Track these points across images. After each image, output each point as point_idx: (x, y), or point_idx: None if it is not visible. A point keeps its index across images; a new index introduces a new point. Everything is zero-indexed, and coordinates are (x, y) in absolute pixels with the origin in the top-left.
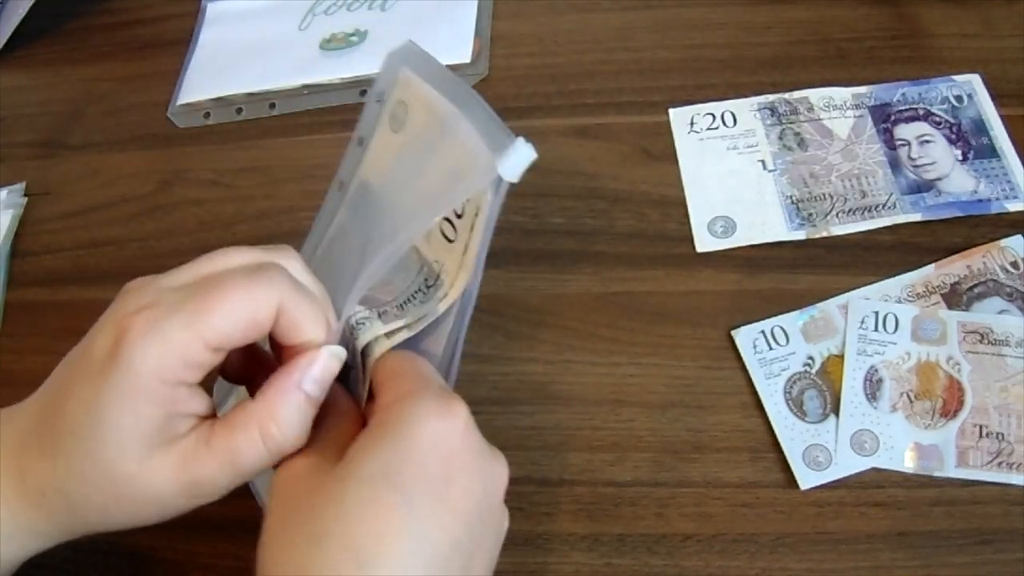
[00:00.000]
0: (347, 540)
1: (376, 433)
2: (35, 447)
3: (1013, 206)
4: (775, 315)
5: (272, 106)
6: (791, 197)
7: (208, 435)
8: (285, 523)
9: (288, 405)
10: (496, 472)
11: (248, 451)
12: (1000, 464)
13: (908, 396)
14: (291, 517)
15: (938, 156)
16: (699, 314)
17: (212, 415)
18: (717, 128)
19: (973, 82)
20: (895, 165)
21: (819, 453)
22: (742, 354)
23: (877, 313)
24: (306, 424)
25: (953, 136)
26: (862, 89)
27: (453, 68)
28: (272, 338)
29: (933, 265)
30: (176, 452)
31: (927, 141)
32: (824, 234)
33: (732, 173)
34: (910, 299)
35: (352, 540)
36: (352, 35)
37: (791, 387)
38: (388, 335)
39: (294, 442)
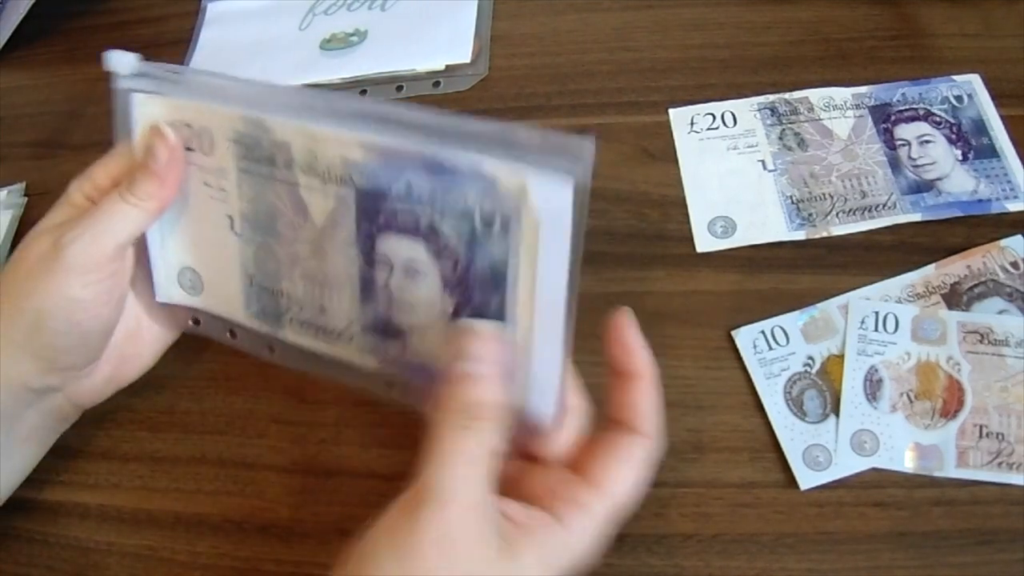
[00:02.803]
0: None
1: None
2: None
3: (1013, 206)
4: (775, 315)
5: None
6: (791, 197)
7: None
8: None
9: (146, 179)
10: None
11: (109, 204)
12: (1000, 464)
13: (908, 396)
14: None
15: (938, 156)
16: (699, 314)
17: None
18: (717, 128)
19: (973, 82)
20: (895, 165)
21: (819, 453)
22: (742, 354)
23: (877, 313)
24: (150, 183)
25: (953, 136)
26: (862, 89)
27: (453, 68)
28: None
29: (933, 265)
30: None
31: (927, 141)
32: (824, 234)
33: (732, 173)
34: (910, 299)
35: None
36: (352, 35)
37: (791, 387)
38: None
39: (147, 193)
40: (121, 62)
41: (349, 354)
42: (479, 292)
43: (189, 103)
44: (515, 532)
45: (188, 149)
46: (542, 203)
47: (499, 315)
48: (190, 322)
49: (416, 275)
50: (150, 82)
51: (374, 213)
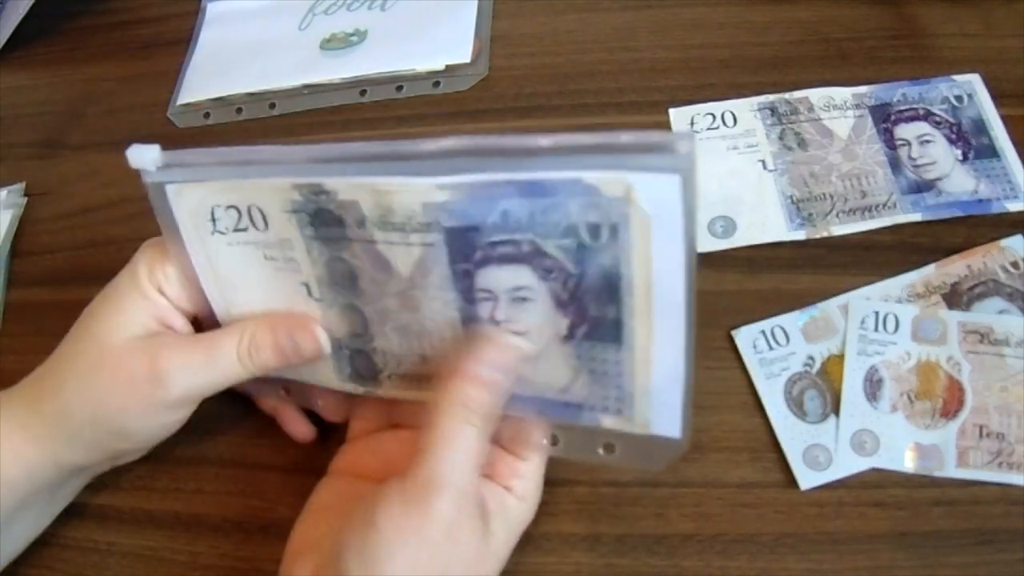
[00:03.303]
0: None
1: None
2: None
3: (1013, 206)
4: (775, 315)
5: (272, 106)
6: (791, 197)
7: (188, 333)
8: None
9: (266, 333)
10: None
11: (223, 346)
12: (1000, 464)
13: (908, 396)
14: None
15: (938, 156)
16: (699, 314)
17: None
18: (717, 128)
19: (973, 82)
20: (895, 165)
21: (819, 453)
22: (742, 354)
23: (877, 313)
24: (274, 361)
25: (953, 136)
26: (862, 89)
27: (453, 68)
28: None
29: (933, 265)
30: (154, 339)
31: (927, 141)
32: (824, 234)
33: (732, 173)
34: (910, 299)
35: None
36: (352, 35)
37: (791, 387)
38: None
39: (264, 364)
40: (145, 159)
41: None
42: (594, 305)
43: (230, 183)
44: (484, 511)
45: (239, 230)
46: (650, 202)
47: (616, 327)
48: (281, 392)
49: (524, 302)
50: (180, 170)
51: (469, 250)
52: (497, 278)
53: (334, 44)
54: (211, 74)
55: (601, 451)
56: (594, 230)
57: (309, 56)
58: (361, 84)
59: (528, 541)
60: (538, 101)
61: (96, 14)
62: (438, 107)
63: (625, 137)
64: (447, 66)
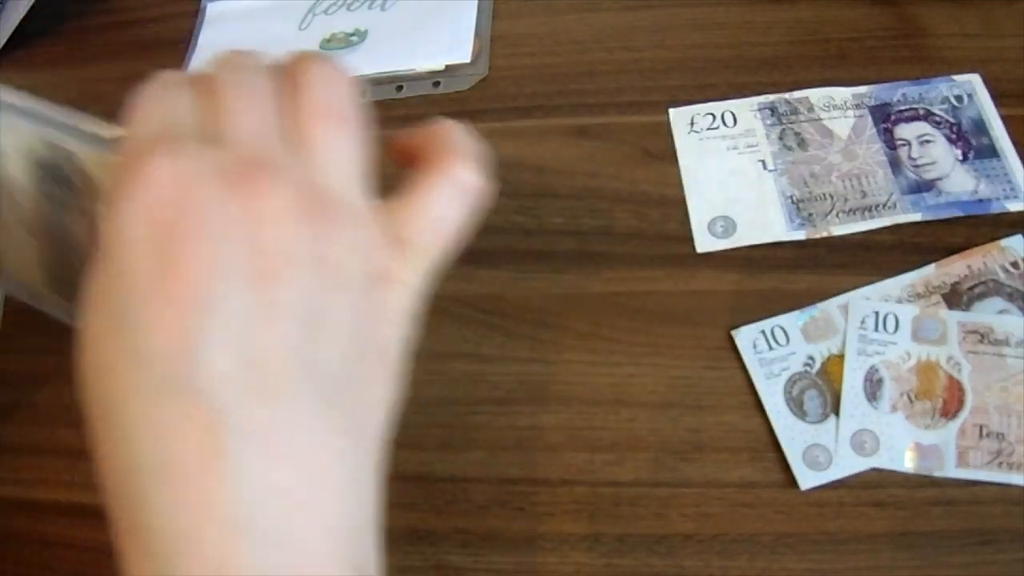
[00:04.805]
0: None
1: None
2: None
3: (1013, 206)
4: (775, 315)
5: None
6: (791, 197)
7: None
8: None
9: None
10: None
11: None
12: (1000, 464)
13: (908, 396)
14: None
15: (938, 156)
16: (699, 314)
17: None
18: (717, 128)
19: (973, 82)
20: (895, 165)
21: (819, 453)
22: (742, 354)
23: (877, 313)
24: None
25: (953, 136)
26: (862, 89)
27: (453, 68)
28: None
29: (933, 265)
30: None
31: (927, 141)
32: (824, 234)
33: (732, 173)
34: (910, 299)
35: None
36: (352, 35)
37: (791, 387)
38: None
39: None
40: None
41: None
42: None
43: None
44: None
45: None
46: None
47: None
48: None
49: None
50: None
51: None
52: None
53: (334, 44)
54: None
55: None
56: None
57: None
58: (361, 84)
59: (528, 541)
60: (538, 101)
61: (96, 14)
62: (438, 107)
63: None
64: (447, 66)
